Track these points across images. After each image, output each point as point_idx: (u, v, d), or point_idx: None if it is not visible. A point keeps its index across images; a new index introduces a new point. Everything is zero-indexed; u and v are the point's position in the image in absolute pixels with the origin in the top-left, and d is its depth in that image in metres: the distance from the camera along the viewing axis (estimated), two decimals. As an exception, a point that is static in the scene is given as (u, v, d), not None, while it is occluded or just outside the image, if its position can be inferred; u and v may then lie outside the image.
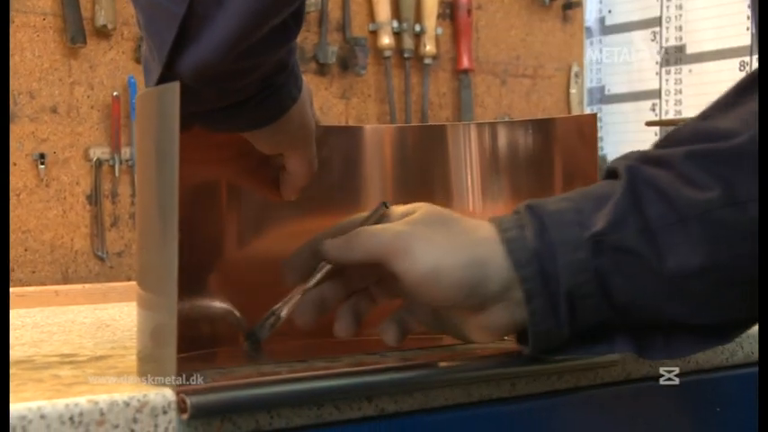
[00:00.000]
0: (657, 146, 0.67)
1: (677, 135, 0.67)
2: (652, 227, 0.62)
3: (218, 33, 0.59)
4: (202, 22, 0.59)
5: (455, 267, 0.63)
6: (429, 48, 1.75)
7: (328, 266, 0.70)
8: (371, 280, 0.70)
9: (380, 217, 0.71)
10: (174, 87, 0.57)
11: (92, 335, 0.85)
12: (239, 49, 0.60)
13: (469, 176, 0.83)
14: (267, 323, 0.72)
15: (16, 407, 0.51)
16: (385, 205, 0.71)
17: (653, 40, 1.83)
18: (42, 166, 1.39)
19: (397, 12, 1.73)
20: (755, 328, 0.85)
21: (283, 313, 0.71)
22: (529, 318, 0.64)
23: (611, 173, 0.66)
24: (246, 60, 0.61)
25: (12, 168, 1.36)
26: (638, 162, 0.65)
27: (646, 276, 0.63)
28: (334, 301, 0.71)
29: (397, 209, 0.70)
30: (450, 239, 0.64)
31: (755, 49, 1.64)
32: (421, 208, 0.69)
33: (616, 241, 0.62)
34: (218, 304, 0.76)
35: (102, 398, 0.54)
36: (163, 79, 0.60)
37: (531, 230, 0.63)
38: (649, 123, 1.69)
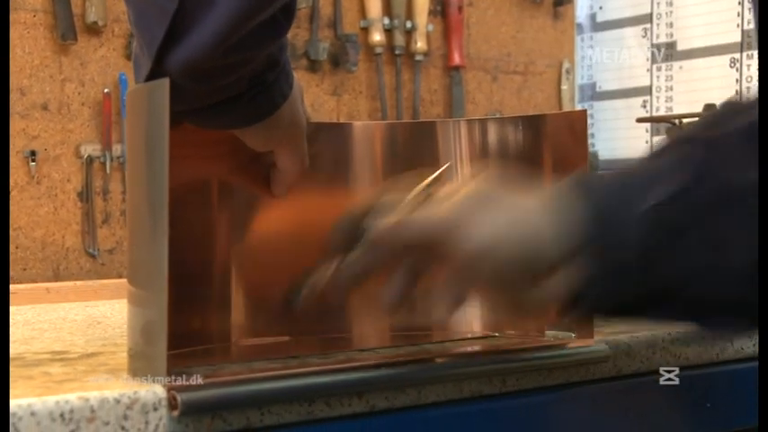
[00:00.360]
0: (700, 126, 0.67)
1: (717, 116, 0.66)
2: (726, 190, 0.62)
3: (208, 29, 0.59)
4: (193, 18, 0.59)
5: (510, 242, 0.63)
6: (420, 44, 1.75)
7: (366, 241, 0.68)
8: (416, 255, 0.68)
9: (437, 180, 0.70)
10: (164, 84, 0.57)
11: (83, 332, 0.85)
12: (228, 44, 0.60)
13: (459, 173, 0.83)
14: (302, 292, 0.71)
15: (6, 404, 0.51)
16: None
17: (644, 37, 1.83)
18: (33, 164, 1.39)
19: (388, 8, 1.73)
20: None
21: (318, 284, 0.70)
22: (586, 282, 0.63)
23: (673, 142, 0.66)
24: (236, 55, 0.61)
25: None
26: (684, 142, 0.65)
27: (703, 244, 0.62)
28: (367, 275, 0.69)
29: (447, 187, 0.69)
30: (505, 214, 0.64)
31: (746, 45, 1.65)
32: (469, 184, 0.67)
33: (672, 210, 0.62)
34: (214, 299, 0.76)
35: (93, 395, 0.54)
36: (152, 75, 0.60)
37: (587, 197, 0.63)
38: (640, 120, 1.69)
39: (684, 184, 0.62)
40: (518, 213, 0.64)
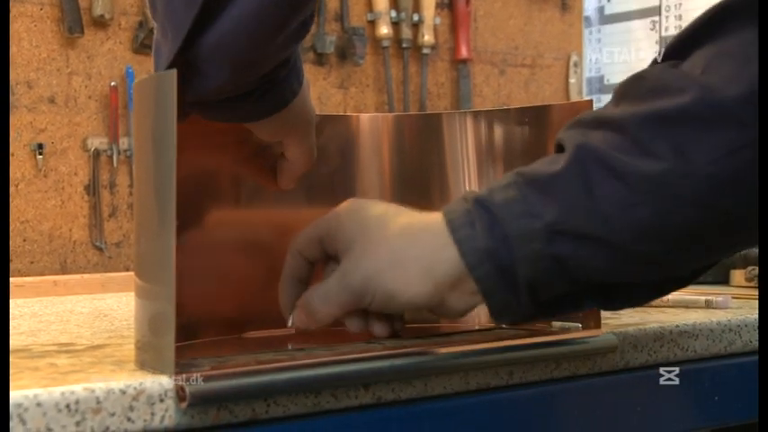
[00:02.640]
0: (613, 99, 0.66)
1: (630, 89, 0.65)
2: (605, 209, 0.62)
3: (237, 14, 0.59)
4: (221, 2, 0.59)
5: (408, 288, 0.65)
6: (427, 37, 1.74)
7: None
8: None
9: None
10: (172, 75, 0.56)
11: (89, 324, 0.85)
12: (262, 32, 0.60)
13: (466, 164, 0.82)
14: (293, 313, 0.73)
15: (13, 395, 0.51)
16: None
17: (652, 30, 1.83)
18: (40, 157, 1.39)
19: (395, 1, 1.72)
20: (755, 316, 0.85)
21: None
22: (490, 309, 0.65)
23: (561, 147, 0.66)
24: (276, 48, 0.62)
25: (10, 159, 1.36)
26: (586, 130, 0.64)
27: (601, 252, 0.63)
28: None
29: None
30: (399, 262, 0.65)
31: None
32: (354, 237, 0.68)
33: (570, 228, 0.62)
34: (221, 291, 0.76)
35: (99, 386, 0.54)
36: (177, 60, 0.60)
37: (481, 227, 0.63)
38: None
39: (581, 192, 0.62)
40: (415, 252, 0.65)
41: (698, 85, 0.61)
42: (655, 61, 0.68)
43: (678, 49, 0.67)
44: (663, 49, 0.68)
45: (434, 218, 0.66)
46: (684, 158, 0.61)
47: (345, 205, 0.70)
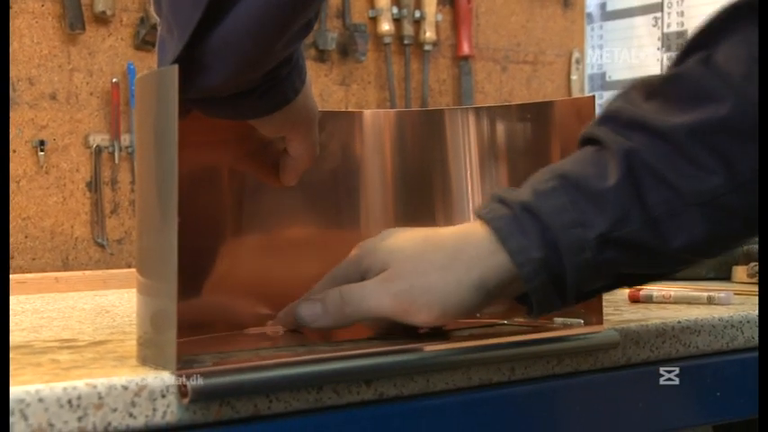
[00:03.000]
0: (643, 93, 0.66)
1: (666, 89, 0.66)
2: (656, 217, 0.63)
3: (243, 14, 0.59)
4: (229, 2, 0.59)
5: (461, 299, 0.65)
6: (429, 34, 1.74)
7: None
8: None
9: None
10: (173, 70, 0.56)
11: (91, 320, 0.85)
12: (266, 32, 0.60)
13: (468, 160, 0.82)
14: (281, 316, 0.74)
15: (15, 390, 0.51)
16: None
17: (654, 26, 1.83)
18: (42, 153, 1.39)
19: (396, -2, 1.72)
20: (757, 312, 0.85)
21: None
22: (534, 309, 0.66)
23: (593, 140, 0.66)
24: (280, 48, 0.62)
25: (11, 155, 1.36)
26: (627, 131, 0.64)
27: (649, 257, 0.65)
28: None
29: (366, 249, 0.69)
30: (447, 273, 0.64)
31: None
32: (398, 249, 0.67)
33: (621, 237, 0.63)
34: (222, 287, 0.76)
35: (101, 381, 0.54)
36: (182, 57, 0.59)
37: (533, 236, 0.63)
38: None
39: (632, 201, 0.63)
40: (462, 266, 0.64)
41: (735, 91, 0.62)
42: (683, 53, 0.68)
43: (706, 37, 0.67)
44: (687, 39, 0.68)
45: (472, 225, 0.66)
46: (733, 172, 0.62)
47: (377, 237, 0.69)
